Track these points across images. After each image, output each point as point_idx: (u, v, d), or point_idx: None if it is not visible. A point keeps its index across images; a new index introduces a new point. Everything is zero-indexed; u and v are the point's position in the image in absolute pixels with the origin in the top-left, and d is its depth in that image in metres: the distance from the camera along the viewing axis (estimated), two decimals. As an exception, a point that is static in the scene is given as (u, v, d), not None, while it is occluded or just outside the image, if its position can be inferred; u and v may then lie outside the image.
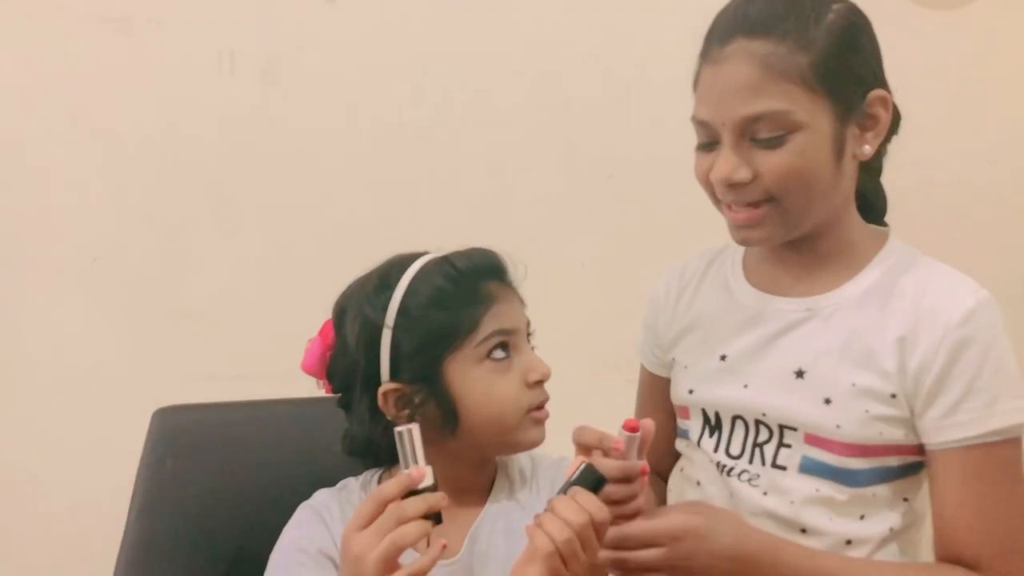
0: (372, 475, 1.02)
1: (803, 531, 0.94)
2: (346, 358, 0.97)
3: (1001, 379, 0.89)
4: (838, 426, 0.92)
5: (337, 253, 1.77)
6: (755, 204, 0.91)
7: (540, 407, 0.95)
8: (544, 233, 1.76)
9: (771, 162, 0.88)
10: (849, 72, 0.89)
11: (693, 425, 1.04)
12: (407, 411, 0.93)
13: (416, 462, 0.83)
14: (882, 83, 0.92)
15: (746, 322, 1.00)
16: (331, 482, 1.04)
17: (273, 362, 1.69)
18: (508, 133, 1.75)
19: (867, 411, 0.92)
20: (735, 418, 1.00)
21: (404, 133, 1.74)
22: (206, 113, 1.71)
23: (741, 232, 0.95)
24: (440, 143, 1.75)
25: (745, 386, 0.99)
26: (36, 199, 1.72)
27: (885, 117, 0.91)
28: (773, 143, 0.88)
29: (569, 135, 1.76)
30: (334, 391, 1.00)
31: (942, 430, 0.90)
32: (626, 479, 0.84)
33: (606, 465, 0.84)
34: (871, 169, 0.98)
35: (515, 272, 0.99)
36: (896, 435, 0.92)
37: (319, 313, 1.72)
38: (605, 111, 1.74)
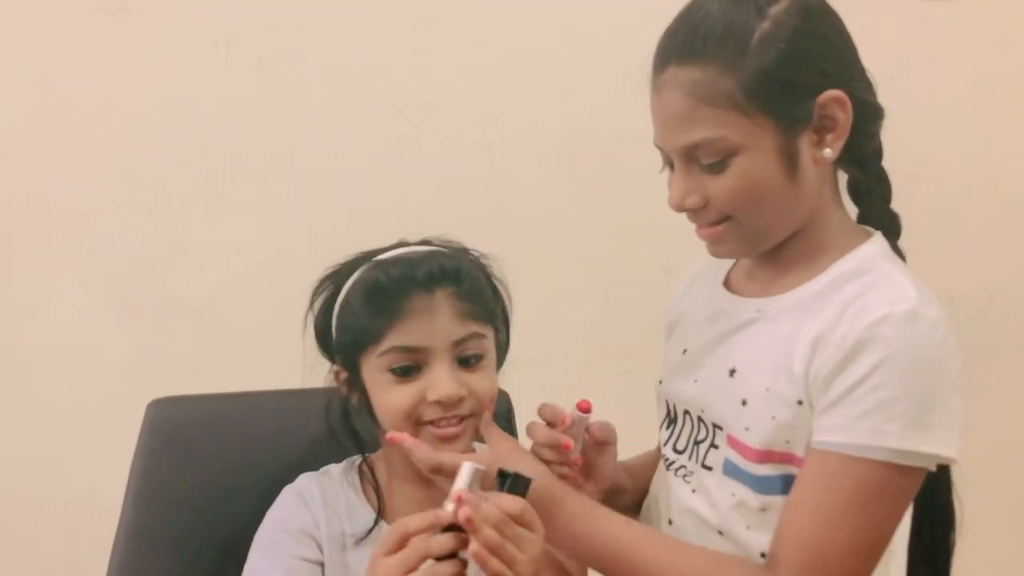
0: (352, 461, 1.05)
1: (720, 533, 0.93)
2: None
3: (883, 396, 0.82)
4: (747, 428, 0.90)
5: (332, 244, 1.76)
6: (714, 223, 0.92)
7: (437, 424, 0.93)
8: (542, 225, 1.76)
9: (717, 187, 0.88)
10: (786, 83, 0.85)
11: (659, 416, 1.06)
12: (351, 394, 0.99)
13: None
14: (838, 81, 0.87)
15: (709, 319, 1.00)
16: (327, 470, 1.06)
17: (268, 353, 1.70)
18: (506, 124, 1.75)
19: (774, 417, 0.88)
20: (685, 412, 1.00)
21: (401, 124, 1.74)
22: (202, 103, 1.70)
23: (710, 248, 0.96)
24: (437, 134, 1.74)
25: (695, 381, 0.98)
26: (31, 188, 1.71)
27: (843, 116, 0.87)
28: (716, 168, 0.88)
29: (567, 126, 1.75)
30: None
31: (815, 429, 0.86)
32: (552, 447, 0.94)
33: (536, 433, 0.95)
34: (863, 161, 0.94)
35: (467, 281, 0.96)
36: (806, 447, 0.88)
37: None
38: (603, 101, 1.74)
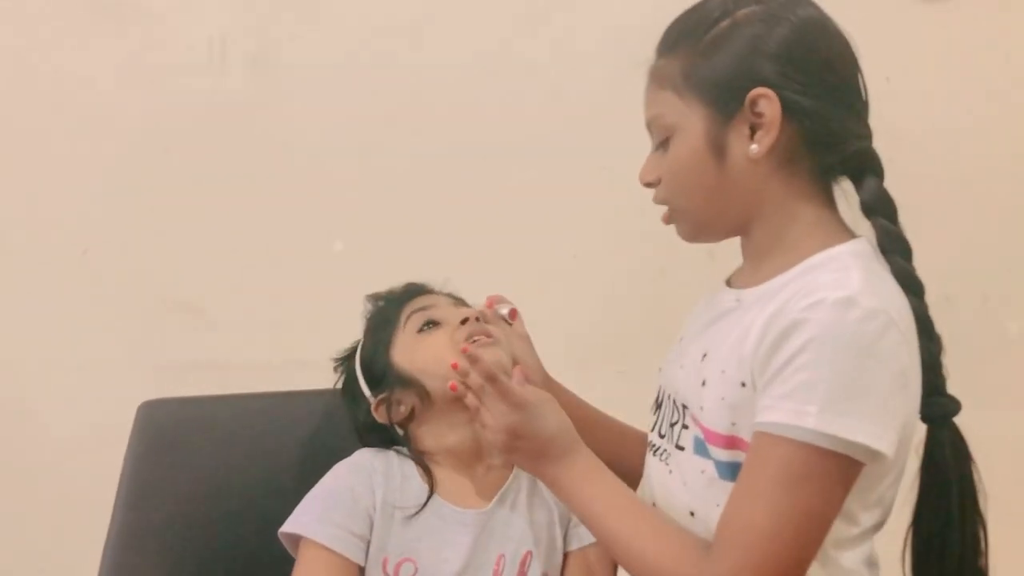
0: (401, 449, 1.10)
1: (692, 514, 0.94)
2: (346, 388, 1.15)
3: (805, 377, 0.83)
4: (702, 408, 0.93)
5: (326, 244, 1.77)
6: (664, 205, 1.00)
7: (471, 341, 1.03)
8: (536, 224, 1.75)
9: (663, 166, 0.96)
10: (721, 73, 0.91)
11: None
12: (398, 409, 1.08)
13: None
14: (774, 83, 0.89)
15: (704, 308, 1.04)
16: (316, 473, 1.06)
17: (260, 355, 1.69)
18: (500, 124, 1.74)
19: (723, 398, 0.90)
20: (669, 397, 1.02)
21: (395, 123, 1.73)
22: (196, 102, 1.70)
23: (677, 230, 1.02)
24: (431, 133, 1.74)
25: (681, 367, 1.00)
26: (25, 189, 1.71)
27: (770, 113, 0.89)
28: (663, 148, 0.96)
29: (563, 126, 1.75)
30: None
31: (756, 411, 0.87)
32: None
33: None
34: (859, 178, 0.94)
35: (443, 288, 1.15)
36: (750, 433, 0.88)
37: (307, 305, 1.72)
38: (599, 101, 1.74)
